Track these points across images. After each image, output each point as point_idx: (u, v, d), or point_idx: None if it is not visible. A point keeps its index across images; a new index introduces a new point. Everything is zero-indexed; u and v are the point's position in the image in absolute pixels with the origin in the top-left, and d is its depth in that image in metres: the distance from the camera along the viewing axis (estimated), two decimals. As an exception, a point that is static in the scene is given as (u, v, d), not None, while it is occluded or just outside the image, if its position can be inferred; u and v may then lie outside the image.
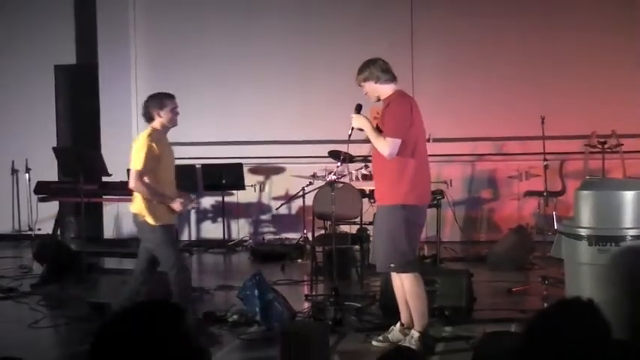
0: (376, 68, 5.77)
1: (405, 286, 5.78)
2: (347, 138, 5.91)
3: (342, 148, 8.98)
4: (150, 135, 5.97)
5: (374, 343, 5.92)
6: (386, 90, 5.80)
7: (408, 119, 5.66)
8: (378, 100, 5.86)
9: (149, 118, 6.08)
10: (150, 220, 5.92)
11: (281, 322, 6.21)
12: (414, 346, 5.61)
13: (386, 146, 5.59)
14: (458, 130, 10.59)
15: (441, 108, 10.08)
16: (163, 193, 5.96)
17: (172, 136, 11.48)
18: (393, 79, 5.81)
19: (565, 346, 2.13)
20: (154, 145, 5.91)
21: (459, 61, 10.84)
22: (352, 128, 5.82)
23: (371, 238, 6.12)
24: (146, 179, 5.91)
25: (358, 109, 5.86)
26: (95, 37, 11.53)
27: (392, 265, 5.72)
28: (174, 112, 6.10)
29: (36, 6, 11.89)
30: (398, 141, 5.59)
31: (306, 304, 7.24)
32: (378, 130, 5.69)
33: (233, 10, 11.47)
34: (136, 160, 5.89)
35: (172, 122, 6.12)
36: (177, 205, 5.95)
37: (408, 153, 5.66)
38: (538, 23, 10.65)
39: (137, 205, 5.97)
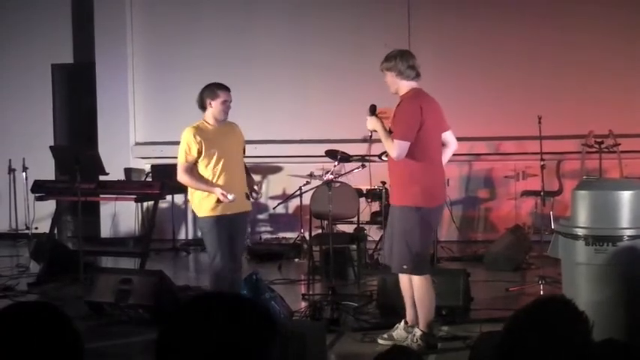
0: (402, 62, 5.71)
1: (414, 286, 5.77)
2: (367, 139, 5.91)
3: (339, 147, 9.01)
4: (193, 128, 6.06)
5: (379, 341, 5.92)
6: (404, 86, 5.75)
7: (417, 121, 5.60)
8: (396, 93, 5.83)
9: (202, 107, 6.14)
10: (197, 212, 6.15)
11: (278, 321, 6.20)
12: (415, 344, 5.64)
13: (393, 148, 5.58)
14: (455, 129, 10.44)
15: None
16: (205, 183, 6.00)
17: (171, 135, 11.48)
18: (416, 76, 5.76)
19: (542, 344, 2.13)
20: (193, 138, 6.00)
21: (456, 61, 10.83)
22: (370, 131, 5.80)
23: (385, 239, 6.10)
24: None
25: (372, 110, 5.83)
26: (92, 37, 11.52)
27: (405, 267, 5.72)
28: (225, 105, 6.11)
29: (33, 5, 11.87)
30: (405, 143, 5.55)
31: (303, 304, 7.23)
32: (390, 131, 5.69)
33: (230, 10, 11.46)
34: (179, 153, 6.11)
35: (221, 114, 6.13)
36: (218, 195, 5.94)
37: (417, 155, 5.62)
38: (535, 24, 10.64)
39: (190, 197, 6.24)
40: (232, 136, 6.24)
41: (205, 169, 6.05)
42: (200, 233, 6.28)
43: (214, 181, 6.05)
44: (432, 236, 5.92)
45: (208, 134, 6.06)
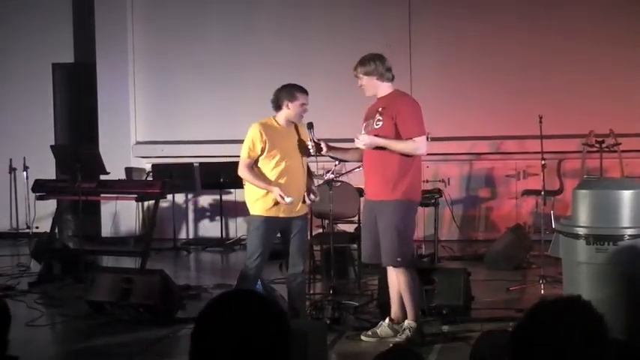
0: (382, 65, 5.78)
1: (399, 279, 5.80)
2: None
3: (340, 146, 8.98)
4: (261, 124, 5.98)
5: (362, 337, 5.96)
6: (384, 88, 5.82)
7: (422, 115, 5.77)
8: (374, 95, 5.87)
9: (277, 107, 6.03)
10: (250, 209, 6.06)
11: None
12: (412, 337, 5.69)
13: (417, 147, 5.68)
14: (456, 129, 10.60)
15: (438, 107, 10.07)
16: (264, 181, 5.93)
17: (170, 134, 11.45)
18: (392, 78, 5.85)
19: (555, 345, 2.12)
20: (259, 135, 5.91)
21: (457, 60, 10.84)
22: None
23: (364, 236, 6.09)
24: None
25: (310, 126, 5.93)
26: (93, 36, 11.52)
27: (399, 260, 5.74)
28: (303, 108, 6.00)
29: (34, 4, 11.88)
30: (425, 137, 5.72)
31: (304, 303, 7.24)
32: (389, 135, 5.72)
33: (230, 9, 11.47)
34: (242, 148, 6.03)
35: (297, 117, 6.02)
36: (276, 195, 5.85)
37: None
38: (536, 23, 10.64)
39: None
40: (295, 136, 6.08)
41: (266, 169, 5.96)
42: (247, 230, 6.21)
43: (274, 181, 5.95)
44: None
45: (275, 133, 5.96)
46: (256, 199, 5.99)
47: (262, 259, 6.02)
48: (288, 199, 5.82)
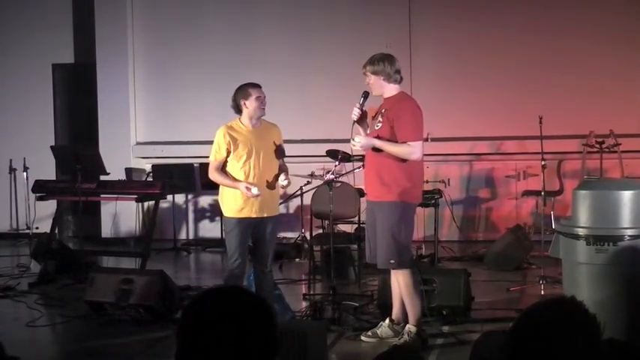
0: (391, 66, 5.79)
1: (400, 282, 5.80)
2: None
3: (340, 147, 9.00)
4: (226, 127, 6.11)
5: (363, 338, 5.98)
6: (391, 89, 5.83)
7: (423, 121, 5.79)
8: (380, 95, 5.88)
9: (238, 110, 6.15)
10: (223, 211, 6.18)
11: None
12: (412, 341, 5.67)
13: (412, 151, 5.67)
14: (456, 129, 10.59)
15: (438, 107, 10.07)
16: (230, 180, 6.04)
17: (170, 134, 11.46)
18: (400, 80, 5.86)
19: (550, 345, 2.13)
20: (223, 137, 6.05)
21: (457, 60, 10.84)
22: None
23: (367, 236, 6.10)
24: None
25: (366, 96, 5.89)
26: (93, 36, 11.53)
27: (392, 262, 5.75)
28: (260, 101, 6.11)
29: (34, 4, 11.88)
30: (421, 142, 5.74)
31: (304, 304, 7.24)
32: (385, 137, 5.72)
33: (231, 9, 11.47)
34: (210, 152, 6.18)
35: (257, 111, 6.13)
36: (242, 189, 5.94)
37: None
38: (536, 23, 10.64)
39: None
40: (266, 137, 6.17)
41: (234, 169, 6.06)
42: (224, 232, 6.25)
43: (243, 180, 6.03)
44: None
45: (240, 134, 6.07)
46: (228, 201, 6.09)
47: (242, 259, 6.07)
48: (254, 190, 5.90)
